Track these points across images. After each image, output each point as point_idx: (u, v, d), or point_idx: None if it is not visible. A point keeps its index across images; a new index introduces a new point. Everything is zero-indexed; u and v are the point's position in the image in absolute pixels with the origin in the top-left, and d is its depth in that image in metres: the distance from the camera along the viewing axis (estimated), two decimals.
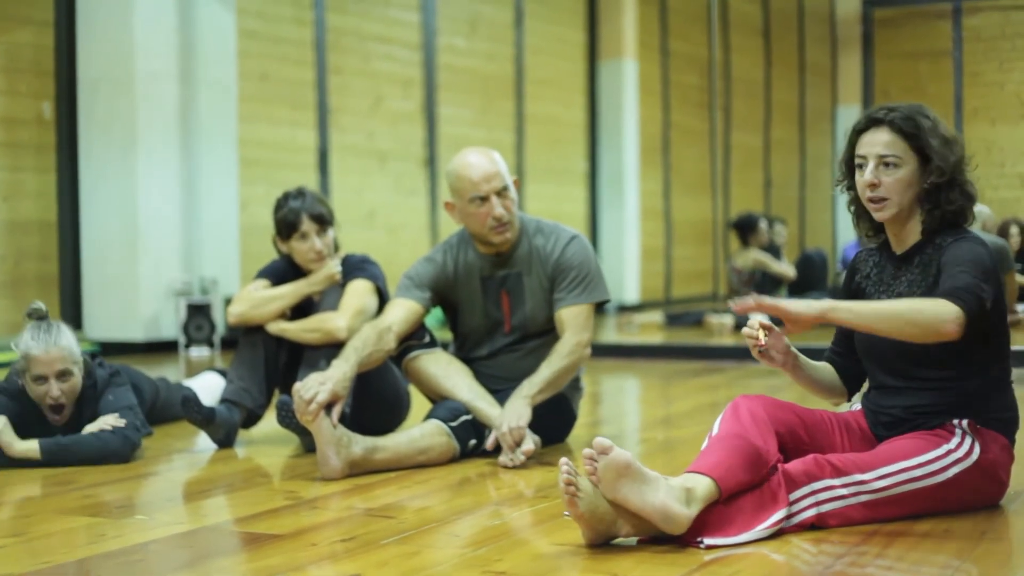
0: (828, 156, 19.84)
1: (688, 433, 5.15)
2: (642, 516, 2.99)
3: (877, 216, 3.40)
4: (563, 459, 3.01)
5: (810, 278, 11.97)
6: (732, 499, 3.09)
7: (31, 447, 4.35)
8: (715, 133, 14.82)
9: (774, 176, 18.56)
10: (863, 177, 3.38)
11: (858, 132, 3.40)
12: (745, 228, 11.92)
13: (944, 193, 3.36)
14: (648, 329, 11.50)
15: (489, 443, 4.39)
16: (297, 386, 4.13)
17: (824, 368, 3.58)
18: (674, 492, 3.00)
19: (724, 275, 12.88)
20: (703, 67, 16.44)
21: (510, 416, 4.34)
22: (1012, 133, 17.61)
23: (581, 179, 14.78)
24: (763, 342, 3.34)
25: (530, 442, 4.32)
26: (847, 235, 19.06)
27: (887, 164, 3.35)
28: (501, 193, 4.59)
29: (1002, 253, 9.00)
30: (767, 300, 3.17)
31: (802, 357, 3.49)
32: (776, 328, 3.38)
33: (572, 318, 4.61)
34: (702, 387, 7.10)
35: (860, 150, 3.39)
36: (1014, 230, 11.28)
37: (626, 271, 14.86)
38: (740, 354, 8.46)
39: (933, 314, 3.12)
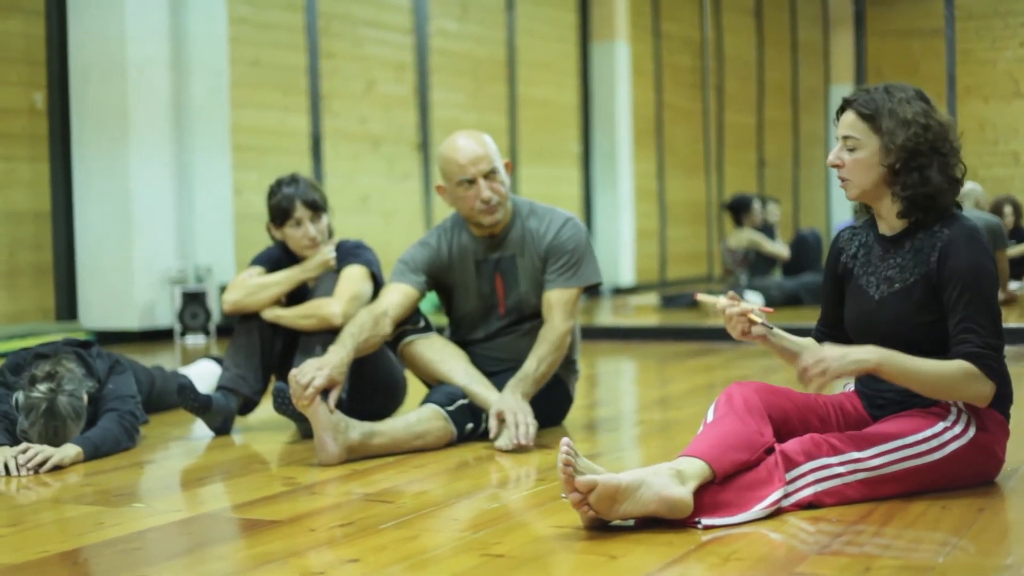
0: (821, 135, 19.84)
1: (684, 414, 5.16)
2: (647, 515, 3.01)
3: (846, 195, 3.44)
4: (564, 439, 3.01)
5: (804, 258, 11.97)
6: (729, 480, 3.10)
7: (77, 452, 4.27)
8: (708, 113, 14.83)
9: (767, 156, 18.56)
10: (828, 156, 3.43)
11: (838, 115, 3.44)
12: (739, 209, 11.92)
13: (901, 176, 3.35)
14: (643, 311, 11.50)
15: (493, 433, 4.36)
16: (294, 372, 4.13)
17: (806, 342, 3.55)
18: (664, 478, 3.01)
19: (718, 256, 12.90)
20: (695, 48, 16.43)
21: (514, 408, 4.33)
22: (1005, 111, 17.59)
23: (574, 161, 14.77)
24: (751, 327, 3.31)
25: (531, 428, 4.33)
26: (841, 214, 19.06)
27: (849, 147, 3.38)
28: (489, 175, 4.58)
29: (995, 232, 9.01)
30: (812, 363, 3.18)
31: (778, 332, 3.46)
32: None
33: (561, 302, 4.61)
34: (698, 368, 7.11)
35: (836, 132, 3.43)
36: (1007, 209, 11.30)
37: (621, 253, 14.86)
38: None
39: (973, 393, 3.24)
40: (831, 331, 3.58)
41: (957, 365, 3.23)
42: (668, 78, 16.23)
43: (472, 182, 4.57)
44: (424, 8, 12.27)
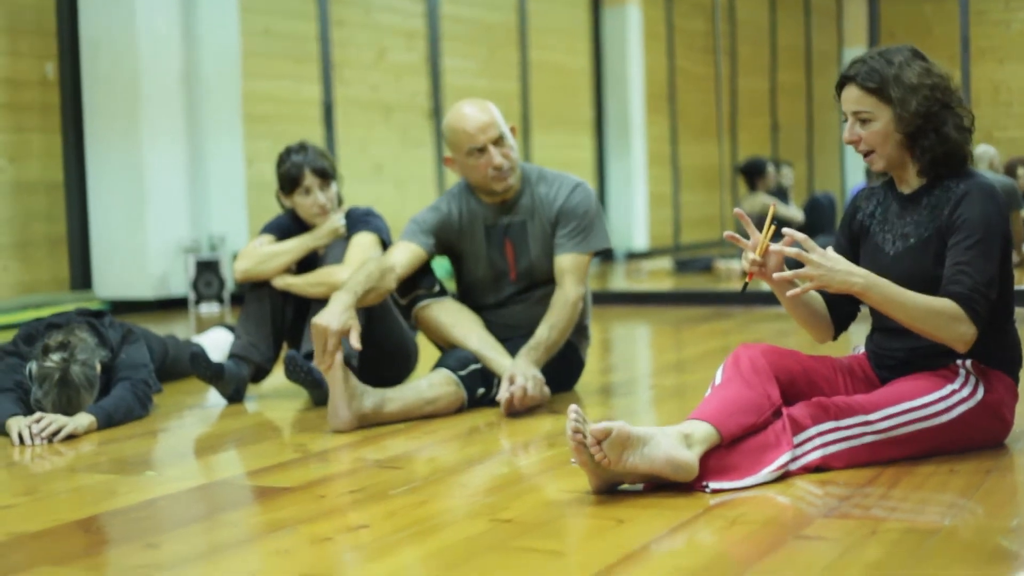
0: (835, 99, 19.74)
1: (698, 379, 5.16)
2: (652, 474, 3.02)
3: (872, 168, 3.43)
4: (572, 406, 3.01)
5: (818, 222, 11.94)
6: (736, 443, 3.11)
7: (90, 421, 4.29)
8: (721, 78, 14.77)
9: (781, 120, 18.50)
10: (844, 134, 3.42)
11: (837, 90, 3.43)
12: (753, 172, 11.90)
13: (919, 140, 3.36)
14: (657, 275, 11.51)
15: (501, 396, 4.35)
16: (315, 321, 4.12)
17: (815, 297, 3.53)
18: (672, 439, 3.02)
19: (732, 220, 12.88)
20: (708, 11, 16.36)
21: (526, 373, 4.34)
22: (1020, 72, 17.49)
23: (587, 127, 14.74)
24: (759, 259, 3.30)
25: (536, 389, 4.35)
26: (855, 178, 19.01)
27: (862, 120, 3.37)
28: (498, 142, 4.58)
29: (1010, 193, 9.00)
30: (812, 256, 3.16)
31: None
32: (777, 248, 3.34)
33: (573, 268, 4.61)
34: (712, 332, 7.11)
35: (842, 107, 3.42)
36: (1021, 170, 11.24)
37: (634, 218, 14.85)
38: (749, 299, 8.47)
39: (953, 333, 3.20)
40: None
41: (943, 302, 3.21)
42: (680, 42, 16.17)
43: (483, 150, 4.57)
44: None
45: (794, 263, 3.23)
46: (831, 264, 3.17)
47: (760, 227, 3.31)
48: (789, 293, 3.24)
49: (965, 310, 3.21)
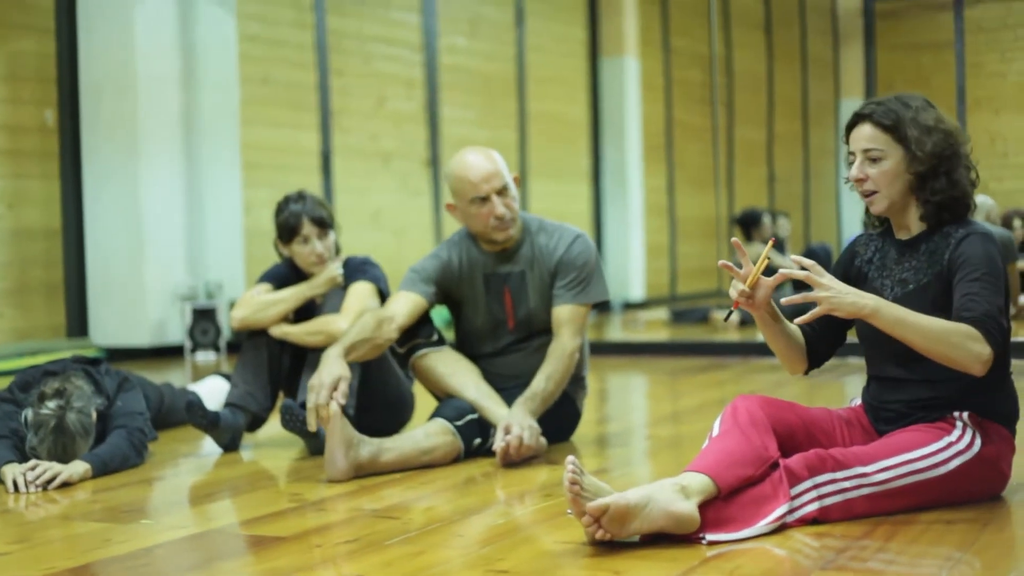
0: (831, 149, 19.83)
1: (695, 429, 5.16)
2: (655, 531, 3.01)
3: (871, 209, 3.44)
4: (569, 457, 3.01)
5: None
6: (733, 495, 3.10)
7: (85, 469, 4.28)
8: (718, 128, 14.81)
9: (778, 170, 18.55)
10: (850, 172, 3.42)
11: (847, 129, 3.45)
12: (749, 223, 11.94)
13: (929, 182, 3.37)
14: (653, 326, 11.51)
15: (497, 446, 4.35)
16: (311, 387, 4.15)
17: (795, 330, 3.53)
18: (669, 493, 3.02)
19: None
20: (705, 63, 16.44)
21: (522, 423, 4.33)
22: (1015, 123, 17.58)
23: (585, 177, 14.78)
24: (747, 289, 3.33)
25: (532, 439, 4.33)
26: (852, 228, 19.05)
27: (872, 158, 3.38)
28: (501, 192, 4.59)
29: (1006, 245, 9.01)
30: (823, 280, 3.18)
31: (779, 311, 3.47)
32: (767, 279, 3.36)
33: (570, 319, 4.62)
34: (708, 383, 7.11)
35: (849, 146, 3.43)
36: (1017, 222, 11.28)
37: (631, 268, 14.86)
38: (746, 350, 8.46)
39: (969, 353, 3.17)
40: (818, 326, 3.55)
41: (957, 324, 3.20)
42: (678, 93, 16.24)
43: (486, 200, 4.58)
44: (433, 25, 12.30)
45: (791, 310, 3.25)
46: (840, 287, 3.19)
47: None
48: (798, 320, 3.26)
49: (980, 331, 3.19)
